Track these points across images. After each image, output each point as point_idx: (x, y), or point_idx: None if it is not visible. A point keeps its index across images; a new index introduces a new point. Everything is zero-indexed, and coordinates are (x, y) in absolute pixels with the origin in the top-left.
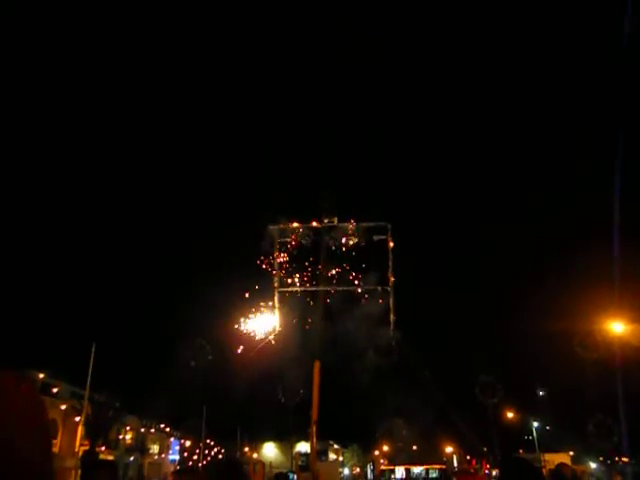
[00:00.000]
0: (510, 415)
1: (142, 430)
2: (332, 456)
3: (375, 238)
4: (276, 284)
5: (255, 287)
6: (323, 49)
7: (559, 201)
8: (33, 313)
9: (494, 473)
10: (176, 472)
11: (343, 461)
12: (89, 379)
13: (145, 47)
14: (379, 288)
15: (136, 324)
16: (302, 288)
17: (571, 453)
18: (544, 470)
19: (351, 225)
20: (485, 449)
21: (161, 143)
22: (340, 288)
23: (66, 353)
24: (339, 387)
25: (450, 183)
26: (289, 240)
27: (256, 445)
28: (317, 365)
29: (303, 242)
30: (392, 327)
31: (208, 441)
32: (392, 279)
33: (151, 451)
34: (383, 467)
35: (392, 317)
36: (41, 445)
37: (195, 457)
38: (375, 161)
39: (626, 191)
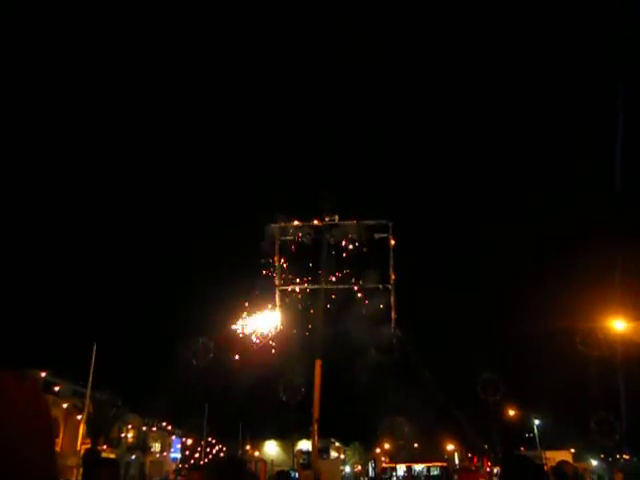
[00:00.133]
0: (511, 412)
1: (144, 428)
2: (333, 454)
3: (376, 236)
4: (277, 282)
5: (256, 286)
6: (323, 48)
7: (559, 201)
8: (35, 313)
9: (495, 471)
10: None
11: (344, 459)
12: (90, 378)
13: (145, 47)
14: (380, 286)
15: (137, 323)
16: (303, 286)
17: (572, 450)
18: (545, 467)
19: (352, 223)
20: (486, 447)
21: (161, 143)
22: (341, 286)
23: (68, 352)
24: (340, 385)
25: (449, 183)
26: (290, 239)
27: (257, 443)
28: (318, 364)
29: (304, 240)
30: (393, 325)
31: (210, 439)
32: (393, 277)
33: (153, 449)
34: (384, 465)
35: (393, 315)
36: (44, 445)
37: (197, 455)
38: (375, 160)
39: (627, 190)
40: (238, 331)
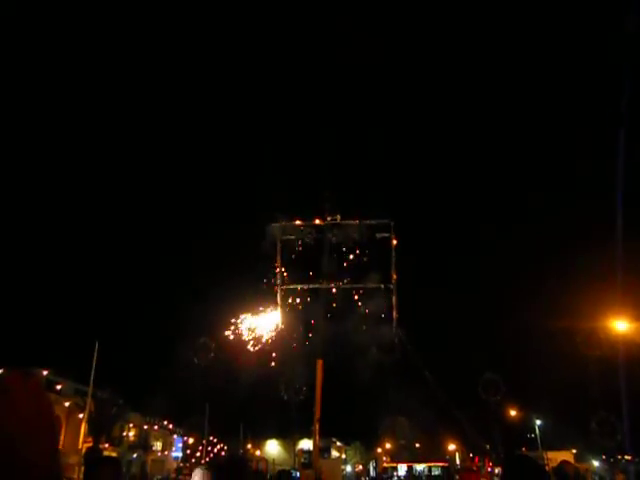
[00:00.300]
0: (513, 413)
1: (145, 427)
2: (335, 453)
3: (378, 236)
4: (279, 282)
5: (257, 285)
6: (324, 49)
7: (559, 201)
8: (37, 313)
9: (497, 471)
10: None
11: (346, 458)
12: (92, 376)
13: (145, 47)
14: (382, 286)
15: (138, 322)
16: (305, 286)
17: (574, 451)
18: (547, 468)
19: (354, 223)
20: (488, 447)
21: (161, 143)
22: (343, 286)
23: (70, 351)
24: (342, 385)
25: (449, 183)
26: (292, 238)
27: (259, 442)
28: (320, 363)
29: (305, 240)
30: (394, 325)
31: (211, 438)
32: (395, 277)
33: (154, 448)
34: (386, 464)
35: (395, 315)
36: (48, 442)
37: (198, 454)
38: (376, 160)
39: (627, 190)
40: (240, 330)
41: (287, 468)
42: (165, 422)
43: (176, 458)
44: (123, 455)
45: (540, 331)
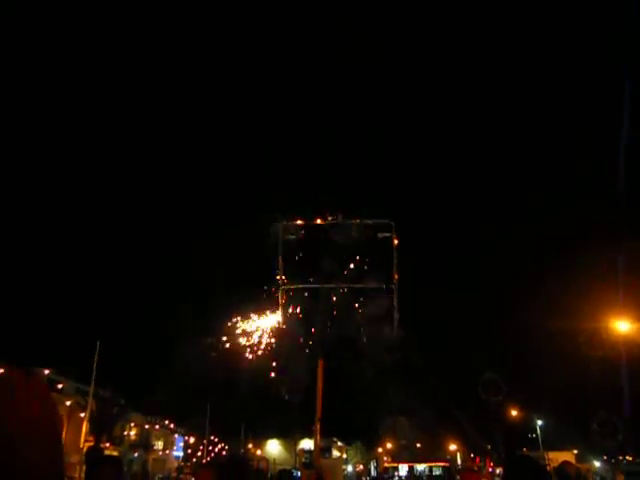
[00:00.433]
0: (514, 413)
1: (146, 426)
2: (336, 453)
3: (379, 235)
4: (280, 281)
5: (258, 286)
6: (324, 48)
7: (559, 201)
8: (38, 312)
9: (498, 471)
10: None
11: (347, 458)
12: (93, 376)
13: (145, 46)
14: (383, 286)
15: (139, 322)
16: (306, 285)
17: (575, 451)
18: (548, 468)
19: (355, 222)
20: (489, 447)
21: (161, 143)
22: (344, 285)
23: (71, 350)
24: (343, 385)
25: (449, 183)
26: (293, 238)
27: (260, 442)
28: (321, 364)
29: (307, 240)
30: (395, 325)
31: (212, 438)
32: (396, 276)
33: (155, 447)
34: (387, 464)
35: (396, 314)
36: (51, 442)
37: (199, 454)
38: (376, 161)
39: (627, 190)
40: (237, 338)
41: (288, 468)
42: (166, 421)
43: (177, 457)
44: (124, 454)
45: (540, 331)
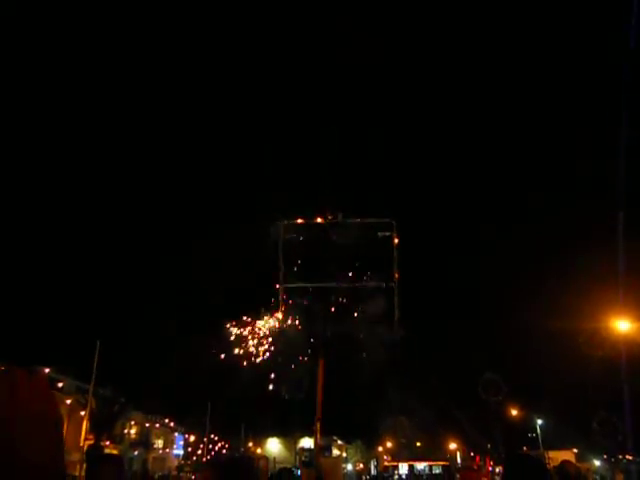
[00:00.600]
0: (514, 412)
1: (147, 425)
2: (336, 452)
3: (379, 235)
4: (280, 280)
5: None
6: (324, 48)
7: (559, 201)
8: (39, 310)
9: (497, 470)
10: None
11: (346, 457)
12: (94, 374)
13: (145, 46)
14: (383, 285)
15: (140, 320)
16: (306, 285)
17: (575, 450)
18: (548, 467)
19: (355, 222)
20: (489, 446)
21: (161, 142)
22: (344, 285)
23: (71, 349)
24: (343, 384)
25: (449, 183)
26: (293, 237)
27: (260, 440)
28: (321, 363)
29: (307, 239)
30: (396, 324)
31: (212, 436)
32: (397, 276)
33: (155, 446)
34: (387, 463)
35: (396, 314)
36: (52, 442)
37: (199, 452)
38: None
39: (627, 190)
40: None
41: (288, 466)
42: (166, 420)
43: (177, 456)
44: (124, 453)
45: (540, 331)
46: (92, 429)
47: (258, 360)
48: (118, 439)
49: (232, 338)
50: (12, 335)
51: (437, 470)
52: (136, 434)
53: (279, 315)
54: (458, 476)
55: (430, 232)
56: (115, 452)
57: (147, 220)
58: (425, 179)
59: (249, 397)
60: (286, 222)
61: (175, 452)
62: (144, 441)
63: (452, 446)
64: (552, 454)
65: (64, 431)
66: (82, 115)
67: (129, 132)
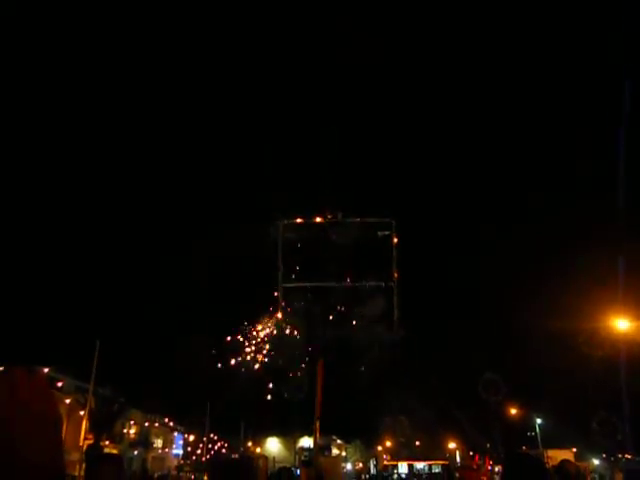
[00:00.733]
0: (513, 411)
1: (146, 424)
2: (335, 451)
3: (379, 234)
4: (280, 280)
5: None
6: (324, 48)
7: (559, 201)
8: (38, 310)
9: (497, 469)
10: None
11: (346, 456)
12: (93, 374)
13: (145, 46)
14: (383, 284)
15: (140, 320)
16: (306, 284)
17: (574, 449)
18: (547, 466)
19: (355, 221)
20: (488, 445)
21: (161, 142)
22: (344, 284)
23: (71, 348)
24: (343, 383)
25: (450, 183)
26: (294, 236)
27: (259, 440)
28: (320, 363)
29: (307, 239)
30: (396, 324)
31: (212, 435)
32: (396, 275)
33: (155, 445)
34: (386, 462)
35: (396, 313)
36: (53, 439)
37: (199, 451)
38: (376, 160)
39: (627, 190)
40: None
41: (288, 466)
42: (166, 419)
43: (176, 455)
44: (124, 452)
45: (540, 331)
46: (91, 429)
47: (256, 367)
48: (117, 439)
49: (231, 344)
50: (12, 334)
51: (436, 469)
52: (135, 434)
53: (279, 315)
54: (457, 475)
55: (430, 232)
56: (114, 452)
57: (147, 220)
58: (425, 179)
59: (248, 398)
60: (286, 222)
61: (174, 452)
62: (143, 441)
63: (451, 445)
64: (551, 453)
65: (63, 430)
66: (82, 115)
67: (129, 132)
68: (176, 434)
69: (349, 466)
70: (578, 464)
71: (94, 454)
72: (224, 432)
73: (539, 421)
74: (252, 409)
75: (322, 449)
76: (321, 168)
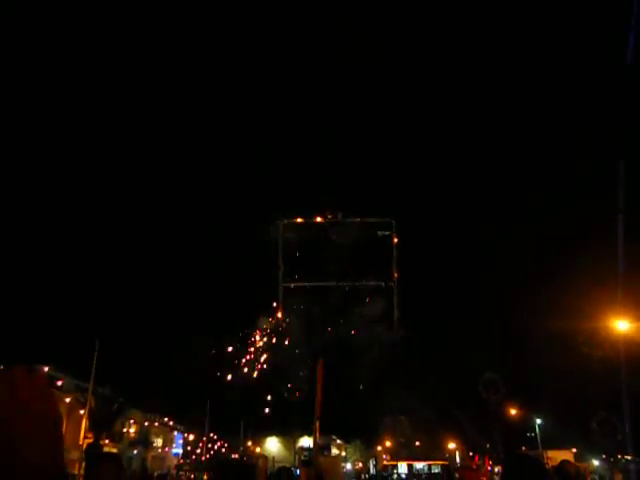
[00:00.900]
0: (513, 412)
1: (146, 424)
2: (335, 451)
3: (379, 234)
4: (280, 280)
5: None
6: (324, 48)
7: (559, 201)
8: (38, 309)
9: (496, 469)
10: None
11: (346, 456)
12: (93, 372)
13: (145, 46)
14: (383, 284)
15: (139, 318)
16: (306, 284)
17: (574, 450)
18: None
19: (355, 221)
20: (488, 445)
21: (161, 142)
22: (344, 284)
23: (71, 347)
24: (342, 383)
25: (449, 183)
26: (294, 236)
27: (259, 439)
28: (320, 363)
29: (307, 238)
30: (396, 324)
31: (211, 435)
32: (396, 275)
33: (155, 444)
34: (386, 462)
35: (396, 313)
36: (53, 438)
37: (198, 451)
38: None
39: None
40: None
41: (287, 465)
42: (166, 419)
43: (176, 455)
44: (123, 451)
45: (540, 331)
46: (91, 428)
47: (255, 374)
48: (117, 438)
49: (229, 357)
50: (12, 333)
51: (436, 469)
52: (135, 433)
53: (279, 314)
54: (457, 475)
55: (430, 232)
56: (114, 451)
57: (147, 219)
58: (425, 179)
59: (248, 400)
60: (286, 221)
61: (174, 451)
62: (143, 440)
63: (451, 445)
64: (551, 454)
65: (63, 429)
66: (83, 116)
67: (129, 131)
68: (176, 433)
69: (349, 466)
70: (578, 465)
71: (94, 453)
72: (224, 432)
73: (539, 421)
74: (252, 410)
75: (322, 449)
76: (321, 168)
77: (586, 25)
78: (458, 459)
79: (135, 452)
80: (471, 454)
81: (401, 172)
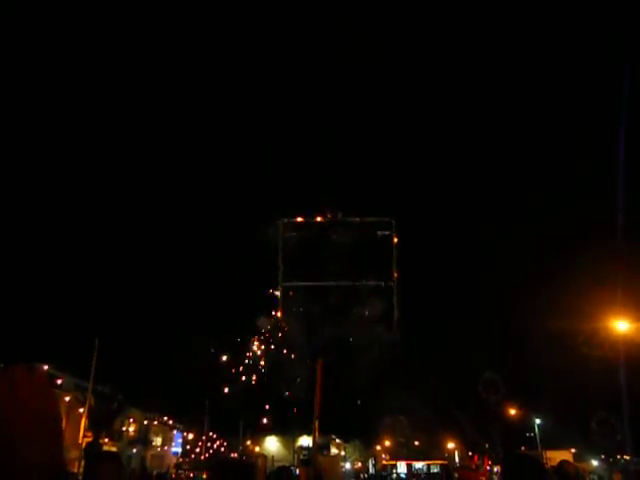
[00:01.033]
0: (512, 412)
1: (145, 422)
2: (334, 450)
3: (379, 234)
4: (280, 280)
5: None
6: (324, 48)
7: (559, 201)
8: (38, 308)
9: (495, 469)
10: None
11: (345, 456)
12: (92, 371)
13: (146, 46)
14: (383, 284)
15: (139, 317)
16: (306, 283)
17: (573, 450)
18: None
19: (355, 220)
20: (487, 445)
21: (161, 142)
22: (344, 284)
23: (70, 346)
24: (342, 383)
25: (450, 183)
26: (294, 236)
27: (258, 438)
28: (320, 363)
29: (307, 238)
30: (395, 324)
31: (211, 434)
32: (396, 275)
33: (154, 443)
34: (385, 462)
35: (395, 312)
36: (53, 436)
37: (198, 450)
38: (377, 159)
39: (627, 190)
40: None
41: (287, 465)
42: (165, 418)
43: (175, 453)
44: (123, 450)
45: (540, 331)
46: (91, 426)
47: (254, 378)
48: (117, 436)
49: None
50: (12, 331)
51: (435, 469)
52: (135, 432)
53: (279, 314)
54: (456, 475)
55: (430, 232)
56: (114, 449)
57: (147, 219)
58: (425, 179)
59: (247, 400)
60: (286, 220)
61: (173, 450)
62: (142, 439)
63: (450, 445)
64: (550, 454)
65: (63, 428)
66: (83, 116)
67: (129, 133)
68: (175, 432)
69: (348, 465)
70: (577, 465)
71: (93, 452)
72: (223, 431)
73: (538, 421)
74: (252, 409)
75: (321, 448)
76: (321, 168)
77: (586, 26)
78: (457, 459)
79: (134, 451)
80: (470, 454)
81: (401, 172)
